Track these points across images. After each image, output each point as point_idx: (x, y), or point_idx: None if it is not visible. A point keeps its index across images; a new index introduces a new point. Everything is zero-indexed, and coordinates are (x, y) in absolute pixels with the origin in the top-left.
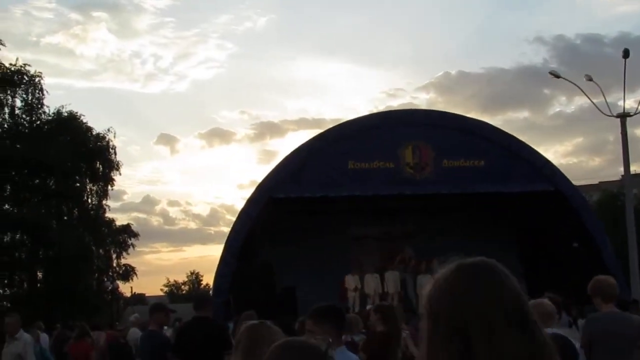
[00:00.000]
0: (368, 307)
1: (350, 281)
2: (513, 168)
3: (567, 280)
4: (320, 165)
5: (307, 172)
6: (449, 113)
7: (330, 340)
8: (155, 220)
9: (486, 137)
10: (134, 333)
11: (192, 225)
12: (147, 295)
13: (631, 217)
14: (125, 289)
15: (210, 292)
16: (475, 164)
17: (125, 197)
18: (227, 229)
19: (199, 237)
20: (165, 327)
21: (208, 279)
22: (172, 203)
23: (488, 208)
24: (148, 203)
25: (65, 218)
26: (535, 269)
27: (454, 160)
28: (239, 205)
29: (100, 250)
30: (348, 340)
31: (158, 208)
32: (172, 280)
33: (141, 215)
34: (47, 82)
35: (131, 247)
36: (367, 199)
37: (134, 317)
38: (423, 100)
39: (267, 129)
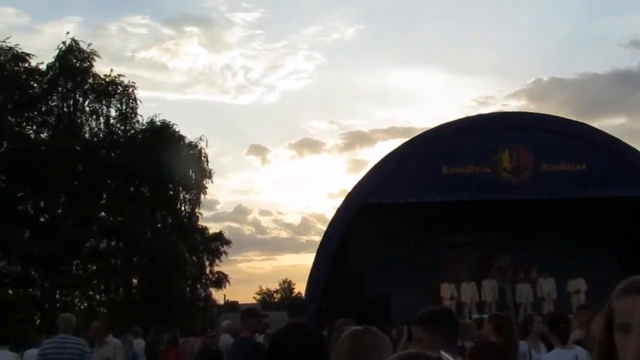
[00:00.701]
0: (474, 316)
1: (446, 289)
2: (616, 172)
3: None
4: (413, 171)
5: (399, 178)
6: (547, 115)
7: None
8: (247, 230)
9: (587, 140)
10: (225, 339)
11: (284, 234)
12: (239, 302)
13: None
14: (218, 296)
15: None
16: (576, 168)
17: (217, 206)
18: (318, 238)
19: (291, 246)
20: (257, 334)
21: (300, 287)
22: (263, 212)
23: (588, 215)
24: (240, 212)
25: (159, 226)
26: (636, 269)
27: (554, 165)
28: (330, 214)
29: (194, 258)
30: (458, 345)
31: (250, 217)
32: (264, 288)
33: (233, 225)
34: (140, 95)
35: (224, 254)
36: (462, 205)
37: (225, 324)
38: (514, 107)
39: (357, 139)
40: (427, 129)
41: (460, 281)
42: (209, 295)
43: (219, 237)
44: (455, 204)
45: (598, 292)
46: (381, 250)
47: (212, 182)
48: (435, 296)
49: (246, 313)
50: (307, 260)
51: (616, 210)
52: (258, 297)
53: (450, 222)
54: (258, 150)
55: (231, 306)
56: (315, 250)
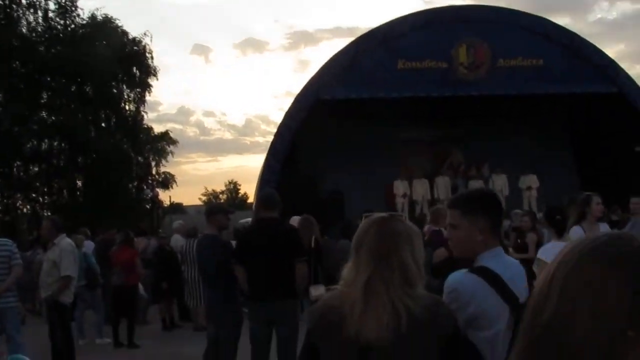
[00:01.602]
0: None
1: (399, 187)
2: (574, 68)
3: (626, 184)
4: (368, 66)
5: (354, 73)
6: (504, 9)
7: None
8: (190, 131)
9: (545, 35)
10: (177, 240)
11: (228, 135)
12: (184, 205)
13: None
14: (163, 197)
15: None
16: (533, 63)
17: (160, 108)
18: (262, 139)
19: (235, 148)
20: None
21: (246, 189)
22: (207, 114)
23: (544, 111)
24: (183, 114)
25: (103, 125)
26: (592, 171)
27: (511, 59)
28: (274, 115)
29: (139, 158)
30: (434, 230)
31: (193, 119)
32: (209, 189)
33: (177, 126)
34: None
35: (170, 154)
36: (417, 101)
37: (177, 224)
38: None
39: (302, 38)
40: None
41: (413, 178)
42: (156, 196)
43: (165, 137)
44: (410, 100)
45: (550, 189)
46: (336, 147)
47: (157, 79)
48: (388, 193)
49: (213, 209)
50: (252, 161)
51: (572, 108)
52: (204, 198)
53: (405, 118)
54: (201, 50)
55: (177, 208)
56: (261, 151)
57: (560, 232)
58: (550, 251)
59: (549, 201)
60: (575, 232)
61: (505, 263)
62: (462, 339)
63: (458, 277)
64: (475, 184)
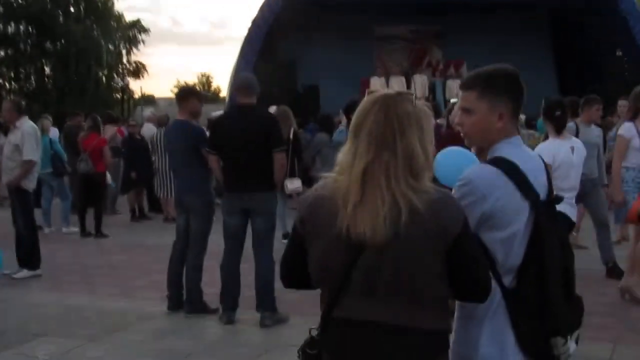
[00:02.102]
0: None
1: (376, 83)
2: None
3: (605, 88)
4: None
5: None
6: None
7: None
8: (163, 22)
9: None
10: (149, 129)
11: (202, 29)
12: (156, 97)
13: None
14: (134, 87)
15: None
16: None
17: None
18: (236, 33)
19: (209, 41)
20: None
21: (219, 81)
22: (180, 4)
23: (526, 9)
24: (155, 3)
25: (72, 10)
26: (571, 73)
27: None
28: (251, 10)
29: (110, 46)
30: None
31: (166, 9)
32: (182, 81)
33: (149, 16)
34: None
35: (141, 43)
36: None
37: (150, 112)
38: None
39: None
40: None
41: (390, 75)
42: (127, 85)
43: (136, 25)
44: None
45: (531, 87)
46: (311, 41)
47: None
48: (364, 89)
49: (185, 93)
50: (224, 54)
51: (555, 6)
52: (175, 90)
53: (384, 12)
54: None
55: (148, 100)
56: (235, 44)
57: (559, 128)
58: (549, 149)
59: (546, 97)
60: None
61: (525, 154)
62: (471, 240)
63: (473, 169)
64: (453, 84)
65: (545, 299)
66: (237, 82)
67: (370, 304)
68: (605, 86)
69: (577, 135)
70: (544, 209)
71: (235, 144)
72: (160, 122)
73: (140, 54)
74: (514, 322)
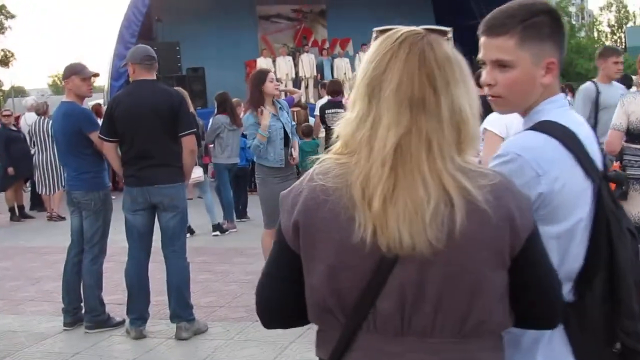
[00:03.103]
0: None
1: (262, 64)
2: None
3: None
4: None
5: None
6: None
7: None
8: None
9: None
10: (31, 119)
11: (70, 14)
12: (27, 89)
13: None
14: (3, 78)
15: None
16: None
17: None
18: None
19: (77, 26)
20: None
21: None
22: None
23: None
24: None
25: None
26: (459, 47)
27: None
28: None
29: None
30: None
31: None
32: (56, 71)
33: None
34: None
35: (9, 29)
36: None
37: (31, 99)
38: None
39: None
40: None
41: (276, 56)
42: None
43: (2, 10)
44: None
45: None
46: (193, 22)
47: None
48: (251, 71)
49: (69, 69)
50: (101, 37)
51: None
52: (50, 81)
53: None
54: None
55: (18, 90)
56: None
57: None
58: (498, 121)
59: None
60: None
61: (574, 118)
62: (541, 242)
63: (518, 138)
64: (341, 63)
65: (619, 319)
66: (135, 55)
67: (404, 344)
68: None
69: (597, 98)
70: (607, 191)
71: (138, 126)
72: (38, 110)
73: (7, 41)
74: (577, 352)
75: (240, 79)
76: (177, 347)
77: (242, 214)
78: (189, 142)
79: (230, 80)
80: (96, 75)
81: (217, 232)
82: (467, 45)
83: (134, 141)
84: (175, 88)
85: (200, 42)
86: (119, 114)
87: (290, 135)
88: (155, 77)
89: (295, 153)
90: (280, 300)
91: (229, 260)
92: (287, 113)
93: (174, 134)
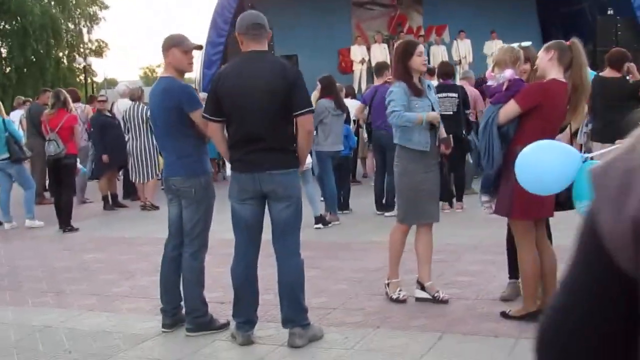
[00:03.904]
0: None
1: (357, 52)
2: None
3: (598, 51)
4: None
5: None
6: None
7: None
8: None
9: None
10: (124, 105)
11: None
12: (119, 80)
13: None
14: (97, 68)
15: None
16: None
17: None
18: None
19: (169, 17)
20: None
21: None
22: None
23: None
24: None
25: None
26: (557, 34)
27: None
28: None
29: (70, 24)
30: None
31: None
32: (147, 63)
33: None
34: None
35: (102, 20)
36: None
37: (123, 85)
38: None
39: None
40: None
41: (371, 43)
42: (89, 66)
43: (97, 2)
44: None
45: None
46: (286, 9)
47: None
48: (344, 59)
49: (170, 40)
50: (193, 33)
51: None
52: (141, 72)
53: None
54: None
55: (111, 83)
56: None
57: None
58: None
59: None
60: None
61: None
62: None
63: None
64: (438, 50)
65: None
66: (240, 24)
67: None
68: (595, 47)
69: None
70: None
71: (247, 104)
72: (133, 96)
73: (101, 31)
74: None
75: (333, 67)
76: (290, 356)
77: (344, 205)
78: (306, 122)
79: (324, 69)
80: (199, 47)
81: (320, 225)
82: (577, 31)
83: (242, 121)
84: (289, 63)
85: (294, 29)
86: (225, 90)
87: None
88: (266, 48)
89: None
90: (591, 354)
91: (336, 255)
92: (435, 93)
93: (288, 112)
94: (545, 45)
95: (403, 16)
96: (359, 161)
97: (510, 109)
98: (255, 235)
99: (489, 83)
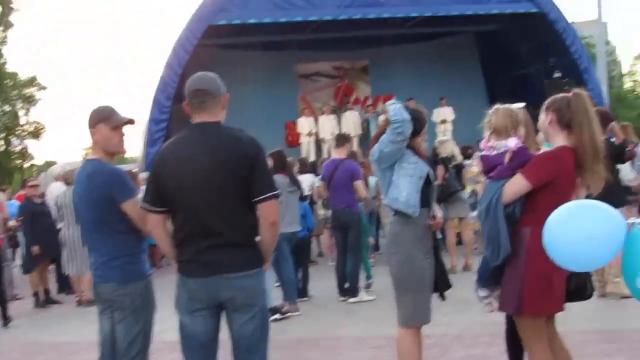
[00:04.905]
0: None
1: (304, 124)
2: None
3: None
4: None
5: None
6: None
7: None
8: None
9: None
10: (57, 189)
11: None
12: (61, 163)
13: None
14: (35, 148)
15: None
16: None
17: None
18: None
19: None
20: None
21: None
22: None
23: (450, 35)
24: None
25: None
26: (508, 98)
27: None
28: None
29: (6, 107)
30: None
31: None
32: (89, 144)
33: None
34: None
35: (39, 101)
36: (319, 27)
37: (58, 168)
38: None
39: None
40: None
41: (318, 115)
42: (26, 148)
43: (33, 82)
44: (311, 26)
45: (465, 121)
46: (230, 82)
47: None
48: (291, 132)
49: (96, 115)
50: (135, 105)
51: (488, 30)
52: (83, 153)
53: (306, 48)
54: None
55: (50, 165)
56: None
57: None
58: None
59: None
60: None
61: None
62: None
63: None
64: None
65: None
66: (186, 88)
67: None
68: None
69: None
70: None
71: (196, 189)
72: (67, 179)
73: (38, 112)
74: None
75: (280, 141)
76: None
77: (302, 292)
78: (269, 211)
79: (271, 142)
80: (131, 122)
81: (277, 315)
82: (525, 95)
83: (190, 211)
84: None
85: (239, 102)
86: (168, 173)
87: (434, 189)
88: (218, 118)
89: (440, 214)
90: None
91: (304, 356)
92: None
93: (248, 198)
94: (545, 103)
95: (350, 86)
96: (313, 239)
97: (518, 185)
98: (211, 356)
99: (484, 153)
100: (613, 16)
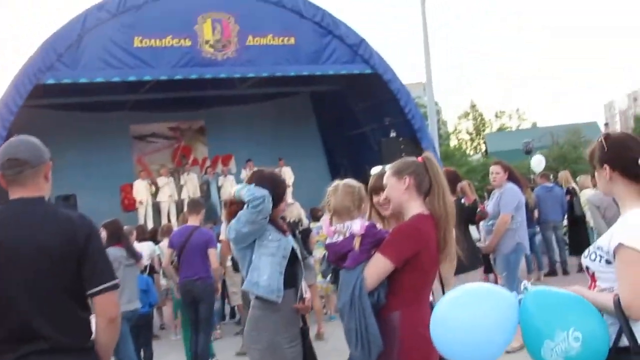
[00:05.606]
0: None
1: (141, 188)
2: (327, 47)
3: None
4: (99, 43)
5: (83, 51)
6: None
7: None
8: None
9: (296, 11)
10: None
11: None
12: None
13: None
14: None
15: None
16: (285, 42)
17: None
18: None
19: None
20: None
21: None
22: None
23: (286, 95)
24: None
25: None
26: (346, 157)
27: (262, 37)
28: None
29: None
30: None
31: None
32: None
33: None
34: None
35: None
36: (152, 88)
37: None
38: None
39: None
40: None
41: (156, 177)
42: None
43: None
44: (146, 86)
45: (305, 181)
46: (60, 144)
47: None
48: (127, 196)
49: None
50: None
51: (327, 90)
52: None
53: (140, 108)
54: None
55: None
56: None
57: None
58: None
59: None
60: None
61: None
62: None
63: None
64: (226, 181)
65: None
66: (2, 157)
67: None
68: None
69: None
70: None
71: (12, 283)
72: None
73: None
74: None
75: (116, 206)
76: None
77: None
78: (106, 305)
79: (105, 208)
80: None
81: None
82: (362, 154)
83: (7, 310)
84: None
85: (70, 166)
86: None
87: (302, 265)
88: (40, 193)
89: (308, 296)
90: None
91: None
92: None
93: (79, 291)
94: (393, 168)
95: (187, 148)
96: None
97: (379, 266)
98: None
99: (330, 241)
100: (435, 77)
